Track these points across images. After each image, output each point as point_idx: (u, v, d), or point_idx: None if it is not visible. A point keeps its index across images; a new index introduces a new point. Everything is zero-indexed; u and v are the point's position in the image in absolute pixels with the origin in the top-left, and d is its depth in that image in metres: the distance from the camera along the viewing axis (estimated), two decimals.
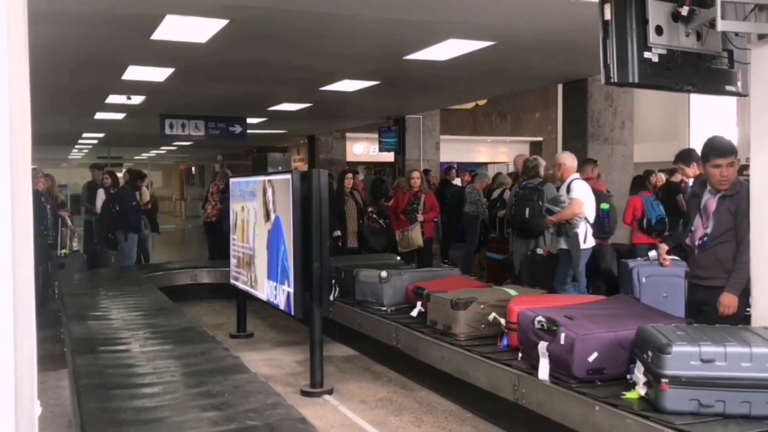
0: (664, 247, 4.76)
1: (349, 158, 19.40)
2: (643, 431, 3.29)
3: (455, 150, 19.27)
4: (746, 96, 3.88)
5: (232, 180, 7.57)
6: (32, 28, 1.68)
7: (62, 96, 10.75)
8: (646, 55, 3.56)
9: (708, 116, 18.02)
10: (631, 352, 3.73)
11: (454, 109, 17.14)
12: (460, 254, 11.38)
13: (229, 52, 7.64)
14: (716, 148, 4.15)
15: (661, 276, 5.17)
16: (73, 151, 25.50)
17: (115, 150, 24.56)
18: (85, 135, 19.03)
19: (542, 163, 7.81)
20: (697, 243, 4.24)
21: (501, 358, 4.50)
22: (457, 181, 14.30)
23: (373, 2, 5.89)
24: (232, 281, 7.20)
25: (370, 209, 9.72)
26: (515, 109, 19.96)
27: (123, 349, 4.67)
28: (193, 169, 34.42)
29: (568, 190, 6.51)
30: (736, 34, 3.72)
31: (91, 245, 10.76)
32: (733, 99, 11.39)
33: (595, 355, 3.77)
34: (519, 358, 4.37)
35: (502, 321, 4.76)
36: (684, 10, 3.56)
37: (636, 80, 3.57)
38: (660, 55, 3.60)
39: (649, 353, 3.40)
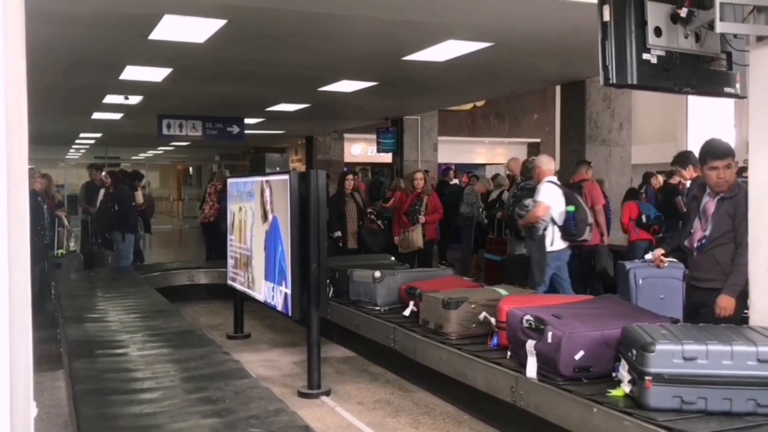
0: (660, 250, 4.83)
1: (347, 159, 19.40)
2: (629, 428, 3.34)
3: (453, 151, 19.29)
4: (744, 98, 3.88)
5: (229, 180, 7.54)
6: (29, 27, 1.68)
7: (60, 96, 10.74)
8: (645, 56, 3.56)
9: (705, 118, 18.07)
10: (616, 350, 3.79)
11: (452, 110, 17.17)
12: (458, 255, 11.38)
13: (227, 52, 7.64)
14: (713, 151, 4.16)
15: (658, 278, 5.18)
16: (71, 151, 25.48)
17: (113, 150, 24.54)
18: (82, 135, 19.01)
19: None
20: (695, 245, 4.26)
21: (491, 357, 4.54)
22: (455, 182, 14.30)
23: (371, 3, 5.89)
24: (230, 282, 7.19)
25: (369, 210, 9.72)
26: (513, 110, 19.99)
27: (121, 352, 4.58)
28: (191, 169, 34.39)
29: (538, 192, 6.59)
30: (735, 35, 3.72)
31: (88, 245, 10.74)
32: (731, 101, 11.40)
33: (581, 353, 3.85)
34: (508, 357, 4.44)
35: (493, 320, 4.85)
36: (683, 12, 3.57)
37: (635, 82, 3.57)
38: (659, 57, 3.60)
39: (634, 351, 3.47)
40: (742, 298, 3.98)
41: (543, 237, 6.49)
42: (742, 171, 5.49)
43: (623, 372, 3.58)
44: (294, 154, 21.86)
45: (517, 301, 4.71)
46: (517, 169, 8.82)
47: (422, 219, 8.88)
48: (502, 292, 5.34)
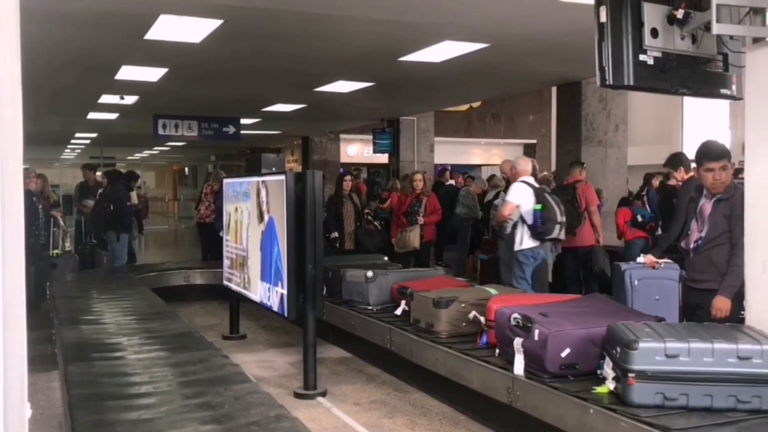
0: (650, 256, 4.89)
1: (343, 159, 19.39)
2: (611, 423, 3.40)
3: (449, 152, 19.29)
4: (741, 99, 3.89)
5: (225, 180, 7.53)
6: (24, 27, 1.67)
7: (55, 95, 10.71)
8: (642, 57, 3.56)
9: (701, 119, 18.11)
10: (602, 348, 3.83)
11: (448, 111, 17.17)
12: (454, 256, 11.39)
13: (223, 52, 7.63)
14: (709, 152, 4.18)
15: (653, 279, 5.18)
16: (66, 151, 25.41)
17: (108, 150, 24.50)
18: (77, 135, 18.96)
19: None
20: (692, 246, 4.27)
21: (482, 356, 4.57)
22: (451, 182, 14.31)
23: (368, 3, 5.89)
24: (225, 282, 7.18)
25: (366, 210, 9.72)
26: (509, 111, 20.01)
27: (117, 356, 4.49)
28: (186, 169, 34.36)
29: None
30: (731, 37, 3.73)
31: (82, 245, 10.71)
32: (726, 102, 11.43)
33: (567, 351, 3.91)
34: (497, 354, 4.50)
35: (482, 319, 4.91)
36: (679, 13, 3.57)
37: (631, 83, 3.58)
38: (655, 58, 3.61)
39: (618, 349, 3.52)
40: (738, 299, 3.99)
41: (512, 236, 6.55)
42: (739, 172, 5.51)
43: (608, 369, 3.64)
44: (290, 155, 21.85)
45: (505, 300, 4.78)
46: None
47: (421, 220, 8.89)
48: (492, 291, 5.43)
